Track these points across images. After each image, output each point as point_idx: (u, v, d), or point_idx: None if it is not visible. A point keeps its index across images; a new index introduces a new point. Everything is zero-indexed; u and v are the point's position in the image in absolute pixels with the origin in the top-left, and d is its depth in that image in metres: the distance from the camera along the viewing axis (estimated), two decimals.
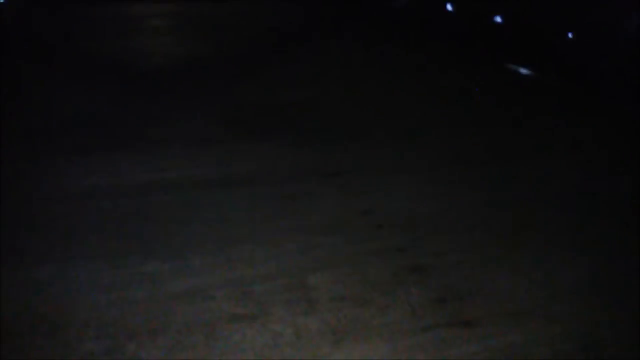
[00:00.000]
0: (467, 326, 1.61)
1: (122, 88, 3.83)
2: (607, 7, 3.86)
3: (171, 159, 2.72)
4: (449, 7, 5.39)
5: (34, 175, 2.53)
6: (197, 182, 2.48)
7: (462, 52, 4.87)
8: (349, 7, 7.04)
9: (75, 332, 1.59)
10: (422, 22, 5.76)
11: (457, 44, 5.05)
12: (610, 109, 3.50)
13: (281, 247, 1.99)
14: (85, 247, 1.99)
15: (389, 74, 4.27)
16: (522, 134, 3.05)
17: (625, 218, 2.19)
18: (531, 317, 1.66)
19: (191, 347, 1.53)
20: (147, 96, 3.65)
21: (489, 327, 1.61)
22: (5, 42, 4.80)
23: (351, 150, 2.85)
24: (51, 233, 2.07)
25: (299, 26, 6.15)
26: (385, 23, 6.25)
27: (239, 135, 3.04)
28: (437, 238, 2.06)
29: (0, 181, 2.45)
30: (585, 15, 3.99)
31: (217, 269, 1.88)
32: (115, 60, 4.62)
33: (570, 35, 4.03)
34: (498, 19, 4.74)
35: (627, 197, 2.37)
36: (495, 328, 1.61)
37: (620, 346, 1.56)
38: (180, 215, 2.21)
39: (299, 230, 2.10)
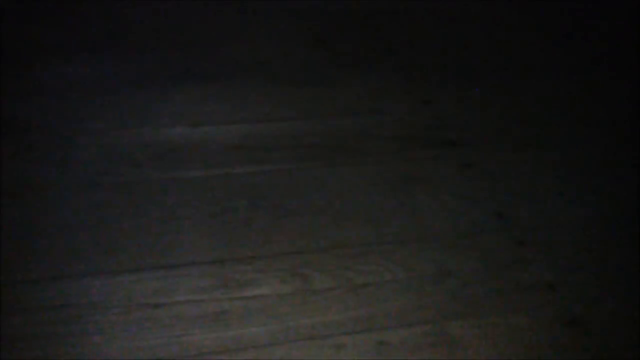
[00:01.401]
0: None
1: None
2: None
3: (256, 102, 2.37)
4: None
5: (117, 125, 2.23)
6: (295, 146, 2.16)
7: None
8: None
9: None
10: None
11: None
12: None
13: (411, 271, 1.74)
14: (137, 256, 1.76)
15: None
16: None
17: None
18: None
19: None
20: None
21: None
22: None
23: (470, 103, 2.44)
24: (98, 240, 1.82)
25: None
26: None
27: (327, 60, 2.66)
28: (594, 270, 1.77)
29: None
30: None
31: (342, 298, 1.64)
32: None
33: None
34: None
35: None
36: None
37: None
38: (287, 202, 1.93)
39: (426, 241, 1.81)
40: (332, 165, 2.07)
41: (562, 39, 2.92)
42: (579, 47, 2.87)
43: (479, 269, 1.73)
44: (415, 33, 2.85)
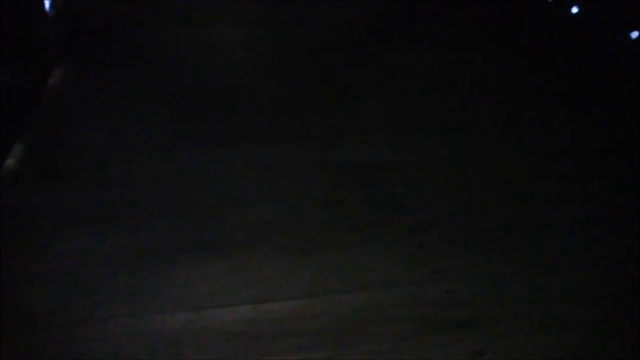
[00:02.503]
0: None
1: None
2: None
3: (263, 277, 2.24)
4: None
5: None
6: (300, 333, 2.00)
7: None
8: None
9: None
10: None
11: None
12: None
13: None
14: None
15: None
16: None
17: None
18: None
19: None
20: None
21: None
22: None
23: (481, 274, 2.24)
24: None
25: None
26: None
27: (336, 223, 2.61)
28: None
29: None
30: None
31: None
32: None
33: None
34: None
35: None
36: None
37: None
38: None
39: None
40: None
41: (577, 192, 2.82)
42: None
43: None
44: (424, 190, 2.77)
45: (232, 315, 2.11)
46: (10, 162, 2.94)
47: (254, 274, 2.28)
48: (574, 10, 4.28)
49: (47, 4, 3.97)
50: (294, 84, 3.70)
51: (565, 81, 3.69)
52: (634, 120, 3.24)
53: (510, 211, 2.63)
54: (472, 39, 4.22)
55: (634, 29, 3.87)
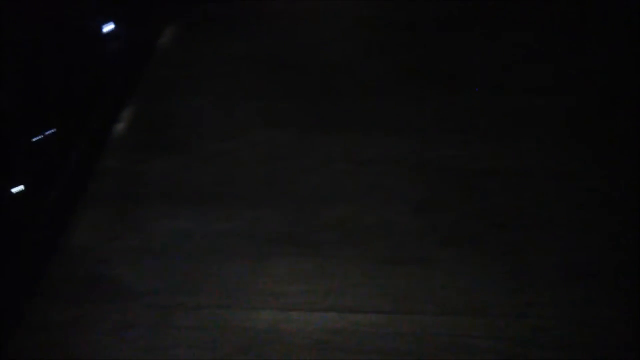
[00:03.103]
0: None
1: None
2: None
3: (351, 284, 2.26)
4: None
5: None
6: (382, 351, 2.02)
7: None
8: None
9: None
10: None
11: None
12: None
13: None
14: None
15: None
16: None
17: None
18: None
19: None
20: None
21: None
22: None
23: (577, 311, 2.12)
24: None
25: None
26: None
27: (429, 233, 2.56)
28: None
29: None
30: None
31: None
32: None
33: None
34: None
35: None
36: None
37: None
38: None
39: None
40: None
41: None
42: None
43: None
44: (528, 206, 2.66)
45: (319, 321, 2.15)
46: (118, 126, 3.07)
47: (341, 279, 2.30)
48: None
49: None
50: (396, 66, 3.57)
51: None
52: None
53: (621, 242, 2.44)
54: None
55: None
